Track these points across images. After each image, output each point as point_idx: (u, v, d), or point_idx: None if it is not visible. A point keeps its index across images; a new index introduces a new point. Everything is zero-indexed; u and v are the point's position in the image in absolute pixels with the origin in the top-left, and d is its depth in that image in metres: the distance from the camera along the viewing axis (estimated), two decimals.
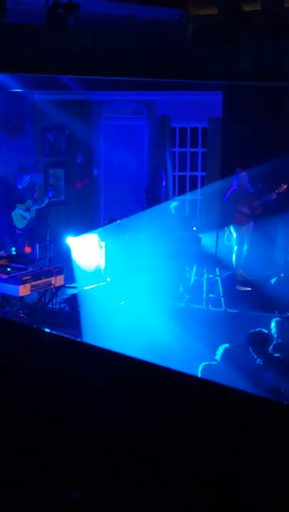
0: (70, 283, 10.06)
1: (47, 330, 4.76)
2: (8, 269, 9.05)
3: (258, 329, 6.76)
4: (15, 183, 11.13)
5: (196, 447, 3.72)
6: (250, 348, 6.57)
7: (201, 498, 3.66)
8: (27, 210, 11.06)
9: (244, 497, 3.55)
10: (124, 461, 3.92)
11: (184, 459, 3.80)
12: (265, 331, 6.77)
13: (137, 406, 4.00)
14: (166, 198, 12.71)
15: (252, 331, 6.73)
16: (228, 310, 9.96)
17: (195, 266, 10.23)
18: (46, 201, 11.37)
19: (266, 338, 6.67)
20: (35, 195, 11.59)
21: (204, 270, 10.15)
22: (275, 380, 6.06)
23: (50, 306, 9.43)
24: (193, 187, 13.15)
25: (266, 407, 3.78)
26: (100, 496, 4.03)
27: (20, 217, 11.03)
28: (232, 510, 3.54)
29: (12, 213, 11.02)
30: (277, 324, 7.09)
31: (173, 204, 11.67)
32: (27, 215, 11.06)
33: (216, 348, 6.59)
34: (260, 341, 6.58)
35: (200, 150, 13.02)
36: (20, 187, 11.09)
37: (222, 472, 3.57)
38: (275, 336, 6.98)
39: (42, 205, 11.36)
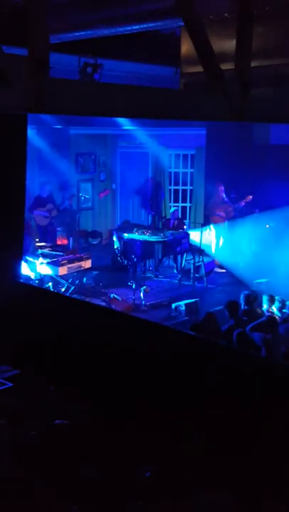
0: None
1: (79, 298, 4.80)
2: (51, 255, 9.11)
3: (232, 300, 6.80)
4: (39, 193, 10.77)
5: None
6: (226, 313, 6.61)
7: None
8: (48, 211, 10.80)
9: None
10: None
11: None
12: (237, 301, 6.81)
13: (140, 355, 4.01)
14: (164, 205, 12.78)
15: (228, 301, 6.77)
16: (209, 286, 9.99)
17: (185, 254, 10.26)
18: (66, 204, 11.36)
19: (237, 306, 6.71)
20: (70, 201, 11.63)
21: (191, 257, 10.18)
22: (242, 335, 6.10)
23: (81, 282, 9.47)
24: (184, 197, 13.18)
25: (236, 355, 3.80)
26: None
27: (42, 217, 10.84)
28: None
29: (33, 215, 10.62)
30: (244, 296, 7.12)
31: (172, 209, 11.79)
32: (47, 214, 10.81)
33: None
34: (233, 308, 6.62)
35: (189, 170, 13.01)
36: (45, 196, 10.79)
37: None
38: (243, 304, 7.02)
39: (62, 207, 11.28)
